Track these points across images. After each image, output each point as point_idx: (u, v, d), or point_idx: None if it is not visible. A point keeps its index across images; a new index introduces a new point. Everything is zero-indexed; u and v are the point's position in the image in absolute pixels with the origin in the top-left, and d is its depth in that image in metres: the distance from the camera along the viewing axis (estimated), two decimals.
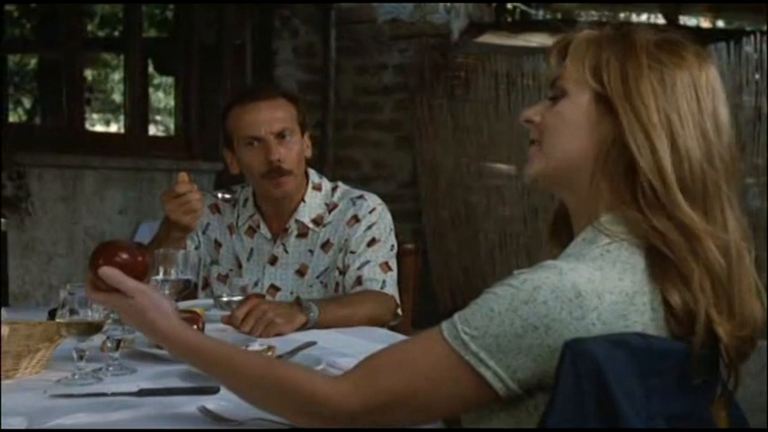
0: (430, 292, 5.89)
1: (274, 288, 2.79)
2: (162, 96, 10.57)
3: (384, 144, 6.37)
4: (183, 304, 2.51)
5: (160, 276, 2.29)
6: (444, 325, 1.39)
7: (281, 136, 2.71)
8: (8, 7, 8.97)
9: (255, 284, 2.77)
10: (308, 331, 2.39)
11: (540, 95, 6.24)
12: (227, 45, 6.28)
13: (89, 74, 10.69)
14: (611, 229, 1.41)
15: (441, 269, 6.14)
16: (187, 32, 6.03)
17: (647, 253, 1.39)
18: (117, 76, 10.94)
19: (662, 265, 1.38)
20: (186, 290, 2.35)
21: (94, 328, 1.85)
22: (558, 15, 8.08)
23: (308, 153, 2.81)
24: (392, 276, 2.72)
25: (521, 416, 1.39)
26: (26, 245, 4.78)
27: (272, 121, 2.70)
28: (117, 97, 11.17)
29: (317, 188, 2.82)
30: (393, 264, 2.75)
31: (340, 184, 2.88)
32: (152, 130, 9.31)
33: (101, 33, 9.59)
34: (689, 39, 1.49)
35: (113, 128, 11.47)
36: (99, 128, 11.20)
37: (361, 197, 2.80)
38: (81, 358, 1.85)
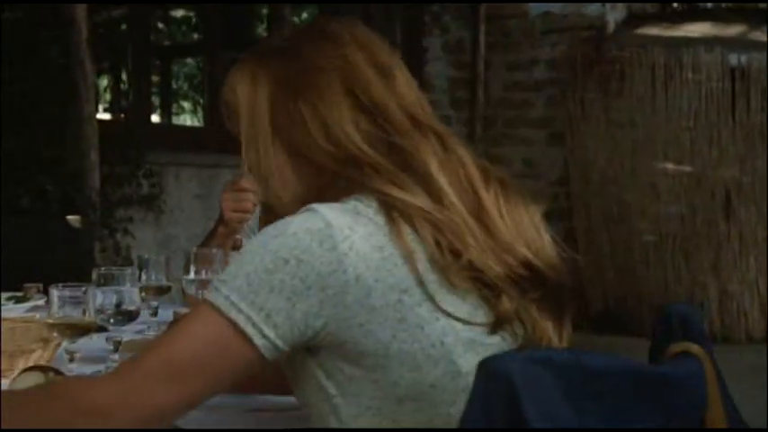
0: (581, 294, 5.70)
1: None
2: None
3: (534, 141, 6.19)
4: None
5: (191, 275, 2.25)
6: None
7: None
8: (186, 12, 9.28)
9: None
10: None
11: (702, 89, 5.92)
12: None
13: None
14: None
15: (592, 270, 5.91)
16: None
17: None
18: None
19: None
20: None
21: (83, 329, 1.82)
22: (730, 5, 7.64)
23: None
24: None
25: (311, 383, 1.31)
26: (161, 242, 4.90)
27: None
28: None
29: None
30: None
31: None
32: None
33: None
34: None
35: None
36: None
37: None
38: (71, 360, 1.82)
